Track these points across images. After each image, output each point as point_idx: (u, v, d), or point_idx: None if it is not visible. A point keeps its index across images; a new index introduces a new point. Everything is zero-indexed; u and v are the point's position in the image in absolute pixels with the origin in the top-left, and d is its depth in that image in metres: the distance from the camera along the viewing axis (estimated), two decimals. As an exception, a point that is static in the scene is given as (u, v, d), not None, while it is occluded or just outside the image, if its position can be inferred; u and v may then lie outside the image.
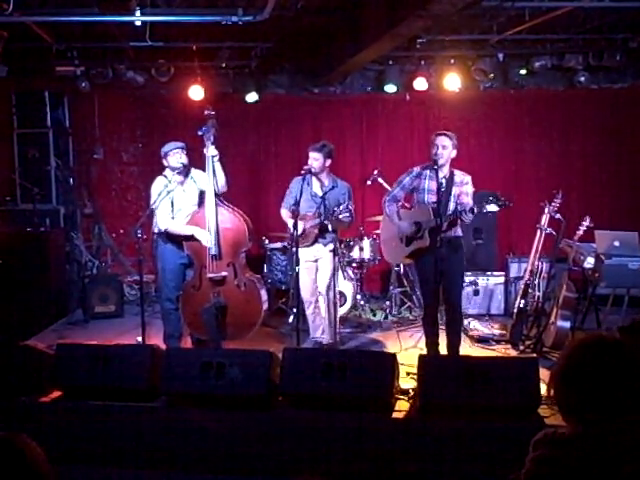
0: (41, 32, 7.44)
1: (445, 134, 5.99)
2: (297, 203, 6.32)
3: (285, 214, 6.72)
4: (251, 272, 6.53)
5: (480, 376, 4.60)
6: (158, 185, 6.32)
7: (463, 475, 4.27)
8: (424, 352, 6.20)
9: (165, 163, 6.38)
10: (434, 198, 5.91)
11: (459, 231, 6.06)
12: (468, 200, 5.97)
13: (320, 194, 6.61)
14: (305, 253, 6.55)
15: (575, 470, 1.73)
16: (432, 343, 6.17)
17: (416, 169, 6.13)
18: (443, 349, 6.15)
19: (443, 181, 5.93)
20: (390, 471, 4.38)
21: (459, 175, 6.04)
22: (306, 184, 6.57)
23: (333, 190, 6.61)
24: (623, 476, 1.71)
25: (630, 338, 2.17)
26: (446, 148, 5.91)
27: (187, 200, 6.41)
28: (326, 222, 6.46)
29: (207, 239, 6.19)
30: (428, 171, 6.03)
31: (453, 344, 6.09)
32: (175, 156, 6.31)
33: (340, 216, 6.27)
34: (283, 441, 4.61)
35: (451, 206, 5.94)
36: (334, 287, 6.55)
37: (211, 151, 6.23)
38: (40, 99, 8.74)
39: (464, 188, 6.00)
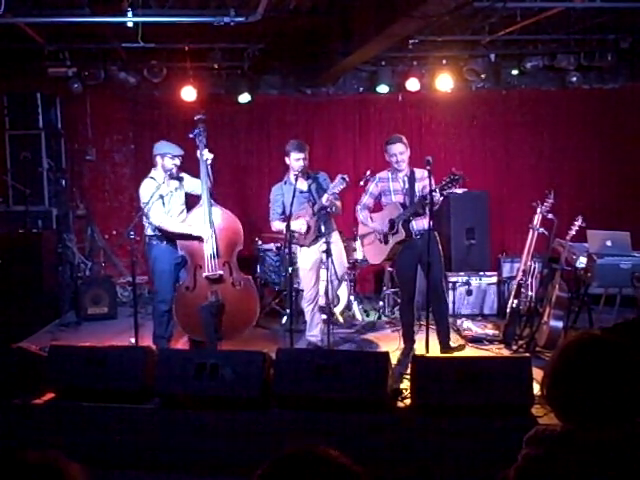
0: (33, 33, 7.43)
1: (398, 141, 6.35)
2: (290, 204, 6.31)
3: (277, 225, 6.70)
4: (242, 272, 6.53)
5: (473, 376, 4.61)
6: (149, 187, 6.29)
7: (457, 474, 4.28)
8: (417, 352, 6.22)
9: (159, 161, 6.36)
10: (401, 196, 6.34)
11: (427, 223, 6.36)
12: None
13: (305, 189, 6.64)
14: (312, 251, 6.60)
15: (566, 468, 1.74)
16: (409, 339, 6.57)
17: (379, 175, 6.52)
18: (434, 346, 6.19)
19: (405, 179, 6.34)
20: (383, 472, 4.38)
21: (418, 172, 6.35)
22: (288, 186, 6.58)
23: (314, 181, 6.68)
24: (614, 475, 1.71)
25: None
26: (403, 154, 6.31)
27: (175, 203, 6.44)
28: (320, 205, 6.45)
29: (205, 232, 6.20)
30: (390, 174, 6.44)
31: (443, 333, 6.46)
32: (175, 160, 6.35)
33: (333, 191, 6.37)
34: (277, 442, 4.61)
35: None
36: (328, 289, 6.50)
37: (207, 155, 6.30)
38: (32, 100, 8.71)
39: (425, 182, 6.17)
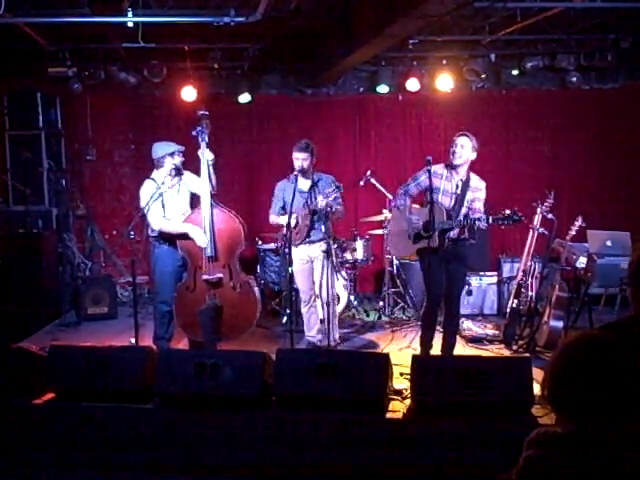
0: (33, 33, 7.43)
1: (465, 134, 5.95)
2: (291, 204, 6.30)
3: (274, 219, 6.68)
4: (244, 273, 6.51)
5: (473, 376, 4.61)
6: (148, 188, 6.25)
7: (457, 475, 4.27)
8: (417, 352, 6.21)
9: (169, 161, 6.25)
10: (448, 200, 5.90)
11: (466, 233, 5.99)
12: (480, 206, 5.91)
13: (306, 189, 6.58)
14: (300, 253, 6.56)
15: (567, 470, 1.74)
16: (426, 343, 6.17)
17: (434, 167, 5.96)
18: (436, 349, 6.16)
19: (459, 183, 5.91)
20: (383, 472, 4.38)
21: (475, 180, 5.98)
22: (290, 184, 6.55)
23: (319, 183, 6.57)
24: (615, 476, 1.71)
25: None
26: (464, 148, 5.86)
27: (178, 203, 6.36)
28: (314, 207, 6.39)
29: (201, 238, 6.14)
30: (446, 171, 5.97)
31: (448, 344, 6.16)
32: (180, 157, 6.30)
33: (330, 199, 6.25)
34: (277, 442, 4.61)
35: (463, 210, 5.88)
36: (328, 289, 6.50)
37: (207, 154, 6.16)
38: (32, 100, 8.72)
39: (477, 194, 5.94)
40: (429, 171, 5.82)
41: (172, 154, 6.29)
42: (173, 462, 4.61)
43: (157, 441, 4.69)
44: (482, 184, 6.01)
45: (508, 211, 5.62)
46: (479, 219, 5.69)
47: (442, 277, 5.91)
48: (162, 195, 6.21)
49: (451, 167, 5.93)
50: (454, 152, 5.87)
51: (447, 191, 5.93)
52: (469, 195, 5.92)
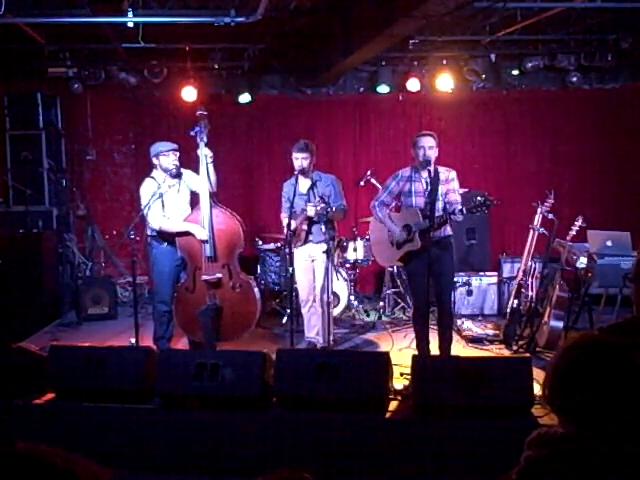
0: (33, 33, 7.43)
1: (430, 134, 6.01)
2: (291, 205, 6.31)
3: (285, 220, 6.69)
4: (244, 273, 6.51)
5: (473, 376, 4.61)
6: (149, 187, 6.24)
7: (457, 475, 4.28)
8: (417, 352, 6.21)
9: (156, 162, 6.29)
10: (422, 199, 5.91)
11: (448, 230, 6.04)
12: (456, 197, 5.95)
13: (305, 191, 6.60)
14: (301, 253, 6.57)
15: (568, 470, 1.74)
16: (422, 343, 6.19)
17: (401, 172, 6.11)
18: (434, 349, 6.16)
19: (428, 181, 5.90)
20: (384, 472, 4.38)
21: (443, 172, 5.99)
22: (290, 185, 6.59)
23: (317, 184, 6.58)
24: (616, 477, 1.71)
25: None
26: (432, 148, 5.90)
27: (179, 202, 6.36)
28: (311, 213, 6.38)
29: (202, 232, 6.12)
30: (414, 173, 6.02)
31: (445, 343, 6.14)
32: (170, 157, 6.27)
33: (317, 208, 6.26)
34: (277, 442, 4.61)
35: (440, 205, 5.89)
36: (328, 289, 6.51)
37: (206, 152, 6.16)
38: (32, 100, 8.72)
39: (450, 185, 5.97)
40: (429, 171, 5.82)
41: (157, 155, 6.28)
42: (173, 462, 4.62)
43: (157, 441, 4.69)
44: (451, 174, 6.02)
45: (480, 198, 5.68)
46: (454, 212, 5.71)
47: (426, 281, 5.82)
48: (162, 195, 6.21)
49: (419, 167, 5.94)
50: (424, 154, 5.87)
51: (419, 191, 5.97)
52: (442, 189, 5.93)
